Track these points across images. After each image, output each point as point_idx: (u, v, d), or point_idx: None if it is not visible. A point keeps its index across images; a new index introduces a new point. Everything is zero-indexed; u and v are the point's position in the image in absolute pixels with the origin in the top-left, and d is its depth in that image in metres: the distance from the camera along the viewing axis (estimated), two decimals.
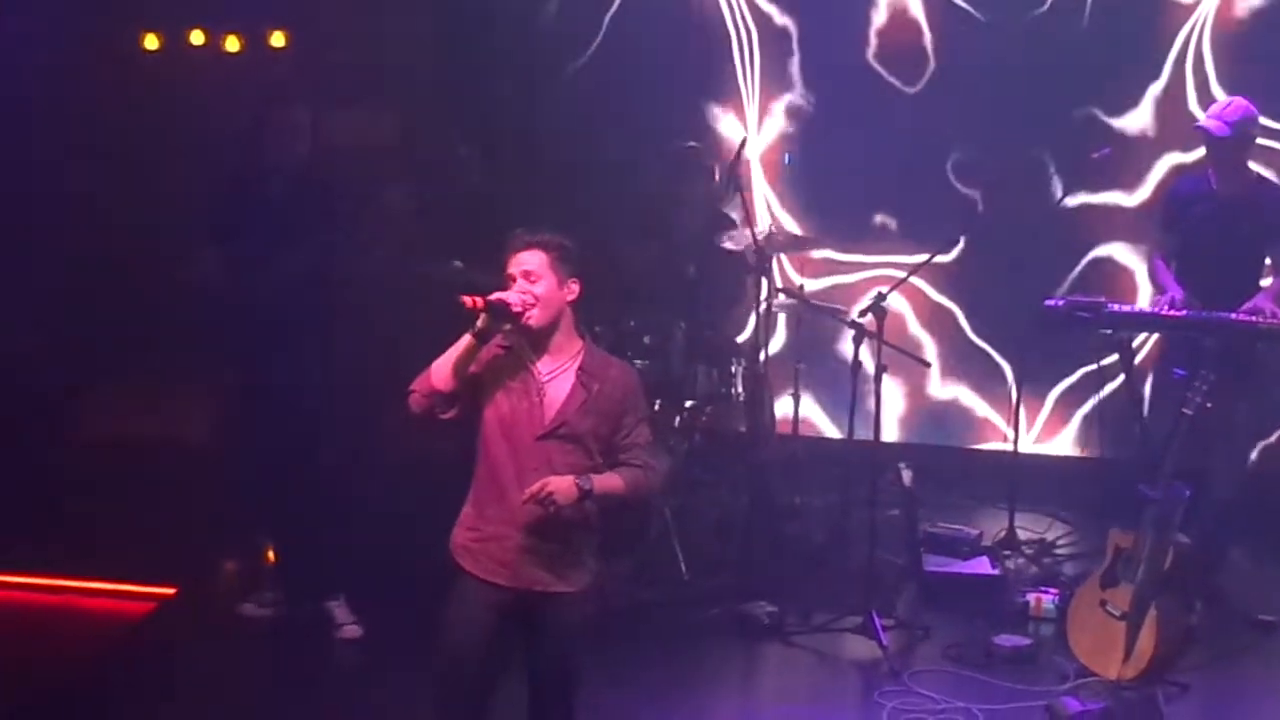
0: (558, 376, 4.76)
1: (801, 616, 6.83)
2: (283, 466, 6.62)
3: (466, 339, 4.68)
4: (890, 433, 8.34)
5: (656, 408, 7.37)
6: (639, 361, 7.36)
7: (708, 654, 6.60)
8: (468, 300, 4.64)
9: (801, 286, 8.26)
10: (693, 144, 8.00)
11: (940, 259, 7.00)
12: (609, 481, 4.73)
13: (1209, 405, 6.16)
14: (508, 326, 4.73)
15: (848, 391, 7.08)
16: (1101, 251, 8.50)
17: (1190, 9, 8.35)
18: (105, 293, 8.16)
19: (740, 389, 7.72)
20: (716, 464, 7.80)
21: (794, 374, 8.18)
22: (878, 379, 6.86)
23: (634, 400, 4.85)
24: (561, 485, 4.63)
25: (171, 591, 6.99)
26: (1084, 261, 8.49)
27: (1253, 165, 6.97)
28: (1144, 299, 7.90)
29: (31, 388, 8.15)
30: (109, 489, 7.72)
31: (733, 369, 7.73)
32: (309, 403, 6.60)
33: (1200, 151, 7.08)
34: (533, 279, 4.70)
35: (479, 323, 4.67)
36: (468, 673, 4.76)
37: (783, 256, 8.61)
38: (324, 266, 6.58)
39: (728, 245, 7.56)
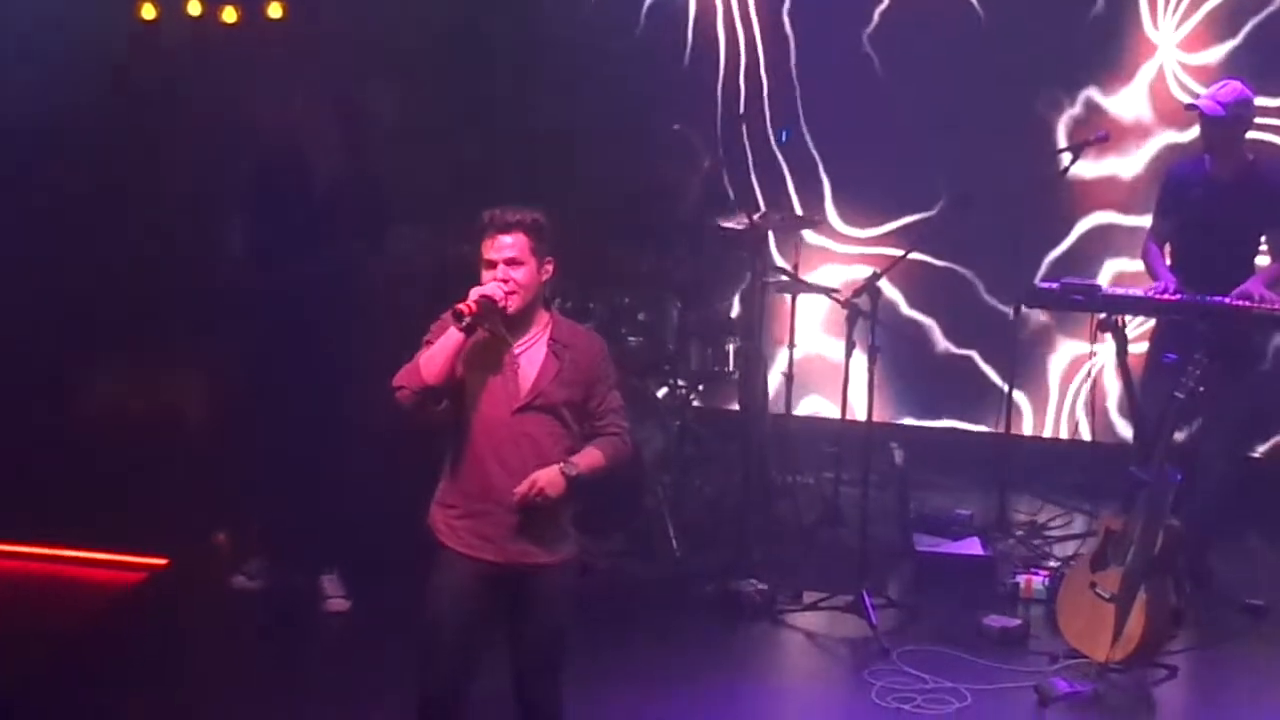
0: (529, 349, 4.74)
1: (792, 595, 6.85)
2: (283, 441, 6.62)
3: (456, 334, 4.62)
4: (884, 412, 8.29)
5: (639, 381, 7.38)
6: (633, 338, 7.37)
7: (698, 631, 6.61)
8: (464, 308, 4.57)
9: (796, 265, 8.25)
10: (677, 126, 7.94)
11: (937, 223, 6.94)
12: (591, 459, 4.73)
13: (1201, 389, 6.17)
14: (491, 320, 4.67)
15: (841, 371, 7.07)
16: (1098, 219, 8.47)
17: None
18: (104, 267, 8.12)
19: (734, 367, 7.72)
20: (709, 442, 7.80)
21: (789, 352, 8.17)
22: (871, 359, 6.87)
23: (603, 365, 4.83)
24: (549, 477, 4.64)
25: (163, 562, 7.01)
26: (1081, 228, 8.47)
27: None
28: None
29: (30, 361, 8.13)
30: (104, 461, 7.70)
31: (727, 347, 7.73)
32: (316, 381, 6.57)
33: (1194, 132, 7.09)
34: (515, 266, 4.65)
35: (468, 320, 4.59)
36: (451, 646, 4.75)
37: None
38: (354, 270, 6.59)
39: (723, 223, 7.54)
